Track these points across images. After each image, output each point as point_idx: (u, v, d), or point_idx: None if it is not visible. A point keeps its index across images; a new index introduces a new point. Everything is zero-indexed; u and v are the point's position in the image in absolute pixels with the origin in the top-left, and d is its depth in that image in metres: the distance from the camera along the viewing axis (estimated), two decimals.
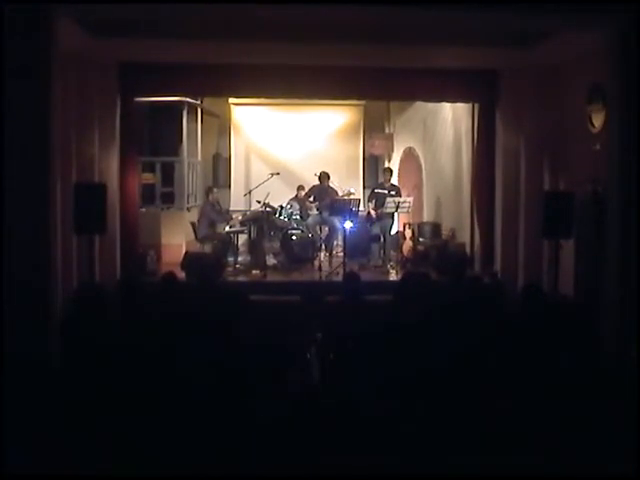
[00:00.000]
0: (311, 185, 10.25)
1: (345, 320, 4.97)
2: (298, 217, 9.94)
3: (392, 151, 12.16)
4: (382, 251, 9.76)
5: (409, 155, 11.50)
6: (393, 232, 9.95)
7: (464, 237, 9.51)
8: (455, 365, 4.15)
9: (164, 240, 9.88)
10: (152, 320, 4.80)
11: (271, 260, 9.52)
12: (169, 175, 10.40)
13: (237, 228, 9.80)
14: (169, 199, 10.42)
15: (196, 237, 9.55)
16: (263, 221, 9.50)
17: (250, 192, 9.89)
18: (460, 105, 9.68)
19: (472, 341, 4.43)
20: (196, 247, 9.59)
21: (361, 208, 9.94)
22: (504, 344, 4.49)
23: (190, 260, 8.55)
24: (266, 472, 3.34)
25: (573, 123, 7.73)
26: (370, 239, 9.94)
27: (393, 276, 9.07)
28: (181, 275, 7.75)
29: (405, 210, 9.50)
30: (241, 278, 8.86)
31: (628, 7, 5.54)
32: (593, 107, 7.17)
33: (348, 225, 8.75)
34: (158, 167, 10.32)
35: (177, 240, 10.12)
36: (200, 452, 3.44)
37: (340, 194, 9.71)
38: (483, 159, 8.91)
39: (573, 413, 3.82)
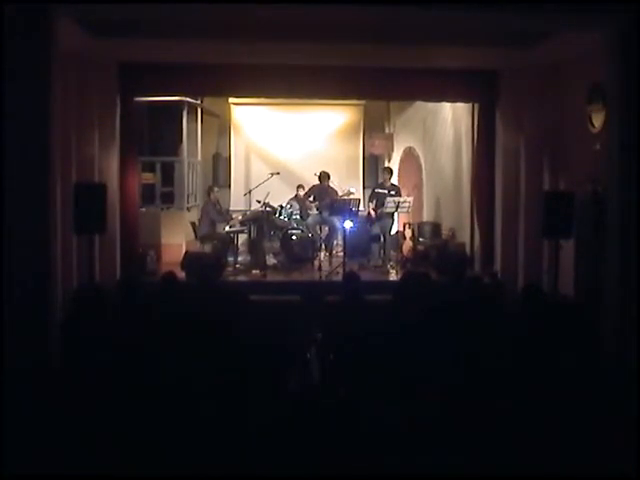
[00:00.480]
0: (311, 185, 10.25)
1: (345, 320, 4.96)
2: (298, 217, 9.94)
3: (392, 151, 12.16)
4: (382, 251, 9.76)
5: (409, 155, 11.50)
6: (393, 232, 9.95)
7: (464, 237, 9.51)
8: (455, 365, 4.15)
9: (164, 240, 9.88)
10: (152, 320, 4.80)
11: (271, 260, 9.52)
12: (169, 175, 10.41)
13: (237, 228, 9.80)
14: (169, 199, 10.42)
15: (196, 237, 9.55)
16: (263, 221, 9.50)
17: (250, 192, 9.88)
18: (460, 105, 9.68)
19: (472, 341, 4.43)
20: (196, 247, 9.59)
21: (361, 208, 9.94)
22: (504, 344, 4.49)
23: (190, 260, 8.55)
24: (266, 472, 3.34)
25: (573, 123, 7.74)
26: (370, 239, 9.93)
27: (393, 276, 9.07)
28: (181, 275, 7.74)
29: (405, 210, 9.50)
30: (241, 278, 8.86)
31: (628, 7, 5.54)
32: (593, 107, 7.18)
33: (348, 225, 8.74)
34: (158, 167, 10.33)
35: (177, 240, 10.12)
36: (200, 452, 3.44)
37: (340, 194, 9.72)
38: (483, 159, 8.91)
39: (573, 413, 3.82)
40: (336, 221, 9.56)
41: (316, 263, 9.34)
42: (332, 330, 4.85)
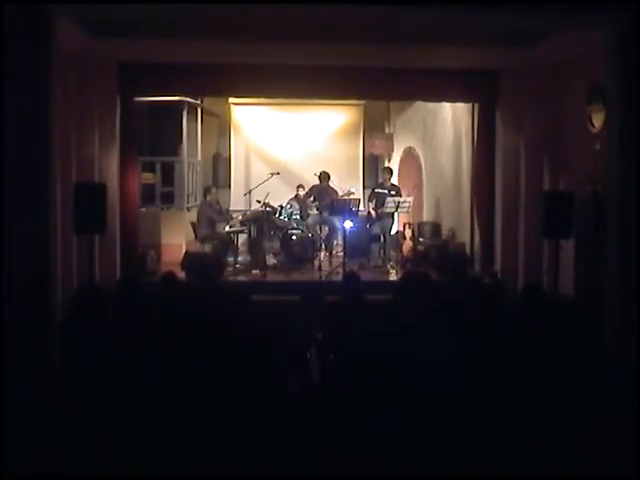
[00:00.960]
0: (311, 185, 10.25)
1: (345, 320, 4.96)
2: (298, 217, 9.94)
3: (392, 151, 12.16)
4: (382, 251, 9.76)
5: (409, 155, 11.50)
6: (393, 232, 9.95)
7: (464, 237, 9.51)
8: (455, 365, 4.15)
9: (164, 240, 9.88)
10: (152, 320, 4.80)
11: (271, 260, 9.52)
12: (169, 175, 10.40)
13: (237, 228, 9.79)
14: (169, 199, 10.42)
15: (196, 237, 9.55)
16: (263, 221, 9.50)
17: (250, 192, 9.88)
18: (460, 105, 9.68)
19: (472, 341, 4.43)
20: (196, 247, 9.59)
21: (361, 208, 9.94)
22: (504, 344, 4.49)
23: (190, 260, 8.55)
24: (266, 472, 3.34)
25: (573, 123, 7.74)
26: (370, 239, 9.93)
27: (393, 276, 9.07)
28: (181, 275, 7.74)
29: (405, 210, 9.50)
30: (241, 278, 8.86)
31: (628, 7, 5.54)
32: (593, 107, 7.18)
33: (348, 225, 8.74)
34: (158, 167, 10.31)
35: (177, 240, 10.12)
36: (200, 452, 3.44)
37: (340, 194, 9.72)
38: (483, 159, 8.91)
39: (573, 413, 3.82)
40: (336, 221, 9.56)
41: (316, 263, 9.34)
42: (332, 330, 4.86)
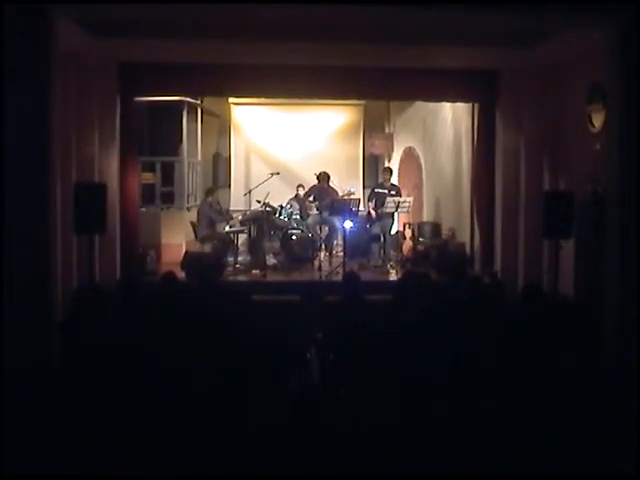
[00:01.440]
0: (311, 185, 10.25)
1: (345, 320, 4.96)
2: (298, 217, 9.94)
3: (392, 151, 12.16)
4: (382, 251, 9.76)
5: (409, 155, 11.50)
6: (393, 232, 9.95)
7: (464, 237, 9.51)
8: (455, 365, 4.15)
9: (164, 240, 9.89)
10: (152, 320, 4.80)
11: (271, 260, 9.52)
12: (169, 175, 10.40)
13: (237, 228, 9.80)
14: (169, 199, 10.42)
15: (196, 237, 9.55)
16: (263, 221, 9.50)
17: (250, 192, 9.88)
18: (460, 105, 9.68)
19: (472, 341, 4.43)
20: (196, 247, 9.59)
21: (361, 208, 9.94)
22: (504, 344, 4.49)
23: (190, 260, 8.55)
24: (266, 472, 3.34)
25: (573, 123, 7.74)
26: (370, 239, 9.93)
27: (393, 276, 9.07)
28: (181, 275, 7.74)
29: (405, 210, 9.50)
30: (241, 278, 8.86)
31: (628, 7, 5.54)
32: (593, 107, 7.18)
33: (348, 225, 8.74)
34: (158, 167, 10.31)
35: (177, 240, 10.13)
36: (200, 452, 3.44)
37: (340, 194, 9.72)
38: (483, 159, 8.91)
39: (573, 413, 3.82)
40: (336, 221, 9.56)
41: (316, 263, 9.34)
42: (332, 330, 4.86)
